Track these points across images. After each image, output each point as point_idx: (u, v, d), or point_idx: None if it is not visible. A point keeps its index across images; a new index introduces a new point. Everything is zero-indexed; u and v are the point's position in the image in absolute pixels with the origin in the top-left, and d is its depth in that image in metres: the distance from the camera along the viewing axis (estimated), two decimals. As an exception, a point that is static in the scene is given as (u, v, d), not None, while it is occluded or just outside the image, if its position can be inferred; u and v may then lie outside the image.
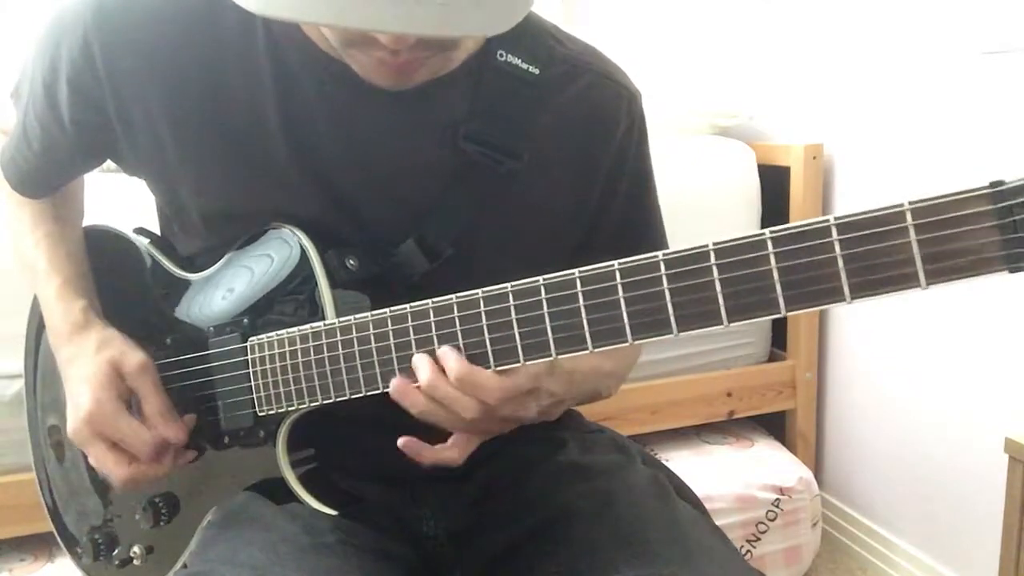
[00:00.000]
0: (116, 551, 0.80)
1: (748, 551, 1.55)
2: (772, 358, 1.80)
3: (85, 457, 0.82)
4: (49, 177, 0.80)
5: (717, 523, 0.74)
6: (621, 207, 0.78)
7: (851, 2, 1.61)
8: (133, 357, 0.70)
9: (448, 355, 0.57)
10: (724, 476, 1.58)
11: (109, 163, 0.78)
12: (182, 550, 0.74)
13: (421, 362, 0.59)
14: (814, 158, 1.67)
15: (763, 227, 1.61)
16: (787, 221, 1.78)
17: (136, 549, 0.78)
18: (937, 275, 0.43)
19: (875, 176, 1.59)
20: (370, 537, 0.69)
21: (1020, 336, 1.32)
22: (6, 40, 1.54)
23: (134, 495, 0.77)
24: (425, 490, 0.77)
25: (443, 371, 0.58)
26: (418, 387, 0.59)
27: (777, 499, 1.55)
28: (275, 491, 0.68)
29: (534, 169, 0.71)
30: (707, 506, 0.76)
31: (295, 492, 0.67)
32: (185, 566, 0.74)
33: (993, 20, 1.30)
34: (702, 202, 1.63)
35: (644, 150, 0.79)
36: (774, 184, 1.72)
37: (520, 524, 0.72)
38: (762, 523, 1.55)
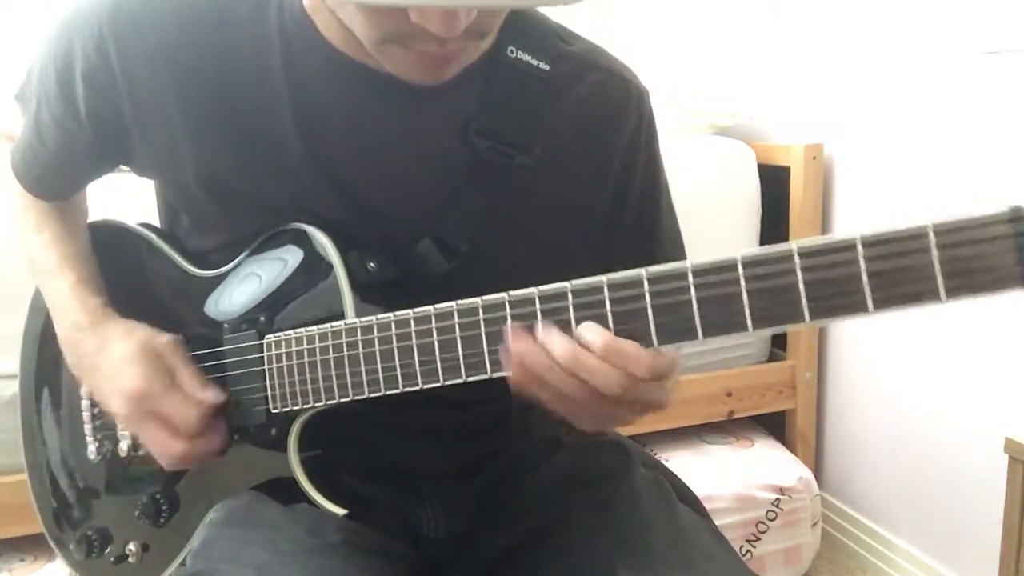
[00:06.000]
0: (109, 548, 0.79)
1: (748, 551, 1.55)
2: (772, 358, 1.80)
3: (80, 453, 0.82)
4: (65, 176, 0.80)
5: (717, 523, 0.74)
6: (635, 208, 0.77)
7: (851, 2, 1.61)
8: (163, 336, 0.71)
9: (591, 328, 0.54)
10: (724, 476, 1.58)
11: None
12: (180, 548, 0.74)
13: (554, 335, 0.55)
14: (814, 158, 1.67)
15: (763, 228, 1.61)
16: (787, 221, 1.78)
17: (132, 546, 0.77)
18: (956, 291, 0.46)
19: (875, 176, 1.60)
20: (373, 538, 0.69)
21: (1020, 337, 1.32)
22: (9, 42, 1.54)
23: (131, 494, 0.77)
24: (429, 489, 0.77)
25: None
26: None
27: (777, 499, 1.55)
28: (280, 490, 0.68)
29: (546, 165, 0.71)
30: (707, 506, 0.76)
31: (305, 491, 0.67)
32: (184, 563, 0.74)
33: (993, 20, 1.30)
34: (702, 202, 1.63)
35: (655, 149, 0.79)
36: (774, 184, 1.73)
37: (520, 527, 0.72)
38: (762, 523, 1.55)
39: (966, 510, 1.46)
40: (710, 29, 2.02)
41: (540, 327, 0.55)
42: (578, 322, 0.54)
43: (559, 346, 0.54)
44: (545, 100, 0.71)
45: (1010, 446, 1.14)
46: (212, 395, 0.68)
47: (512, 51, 0.69)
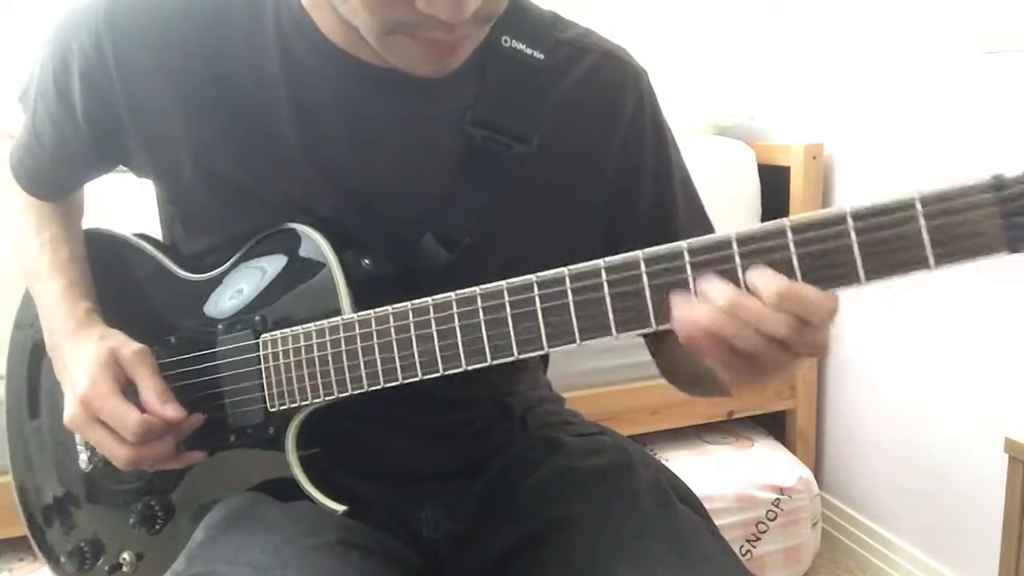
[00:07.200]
0: (102, 559, 0.78)
1: (748, 551, 1.55)
2: (772, 358, 1.80)
3: (71, 463, 0.80)
4: (61, 177, 0.80)
5: (717, 523, 0.73)
6: (650, 187, 0.77)
7: (852, 3, 1.61)
8: (132, 345, 0.70)
9: (764, 273, 0.51)
10: (724, 476, 1.58)
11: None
12: (175, 555, 0.73)
13: (715, 283, 0.52)
14: (814, 158, 1.67)
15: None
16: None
17: (126, 555, 0.76)
18: (944, 257, 0.47)
19: (875, 176, 1.59)
20: (373, 538, 0.68)
21: (1020, 337, 1.32)
22: (11, 44, 1.54)
23: (125, 502, 0.77)
24: (428, 489, 0.77)
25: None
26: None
27: (777, 499, 1.55)
28: (279, 490, 0.68)
29: (545, 153, 0.70)
30: (707, 506, 0.76)
31: (304, 489, 0.67)
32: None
33: (993, 20, 1.30)
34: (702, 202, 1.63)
35: (661, 124, 0.78)
36: (774, 184, 1.73)
37: (519, 529, 0.71)
38: (762, 523, 1.55)
39: (966, 510, 1.45)
40: (711, 30, 2.02)
41: (695, 281, 0.52)
42: (577, 307, 0.55)
43: (721, 293, 0.51)
44: (541, 88, 0.71)
45: (1010, 446, 1.14)
46: (171, 410, 0.67)
47: (507, 40, 0.69)
